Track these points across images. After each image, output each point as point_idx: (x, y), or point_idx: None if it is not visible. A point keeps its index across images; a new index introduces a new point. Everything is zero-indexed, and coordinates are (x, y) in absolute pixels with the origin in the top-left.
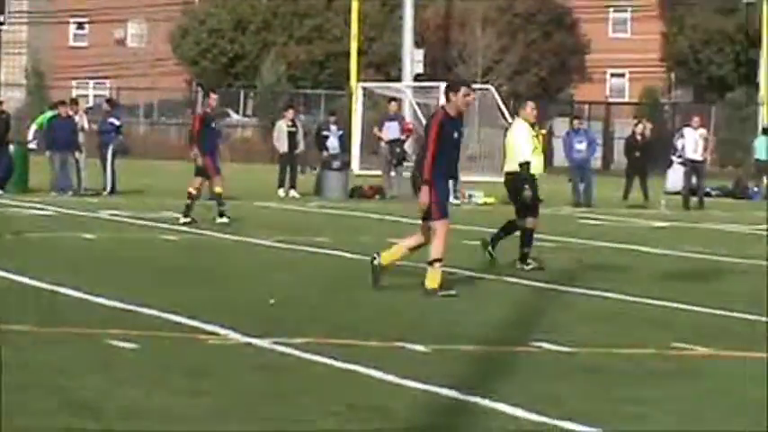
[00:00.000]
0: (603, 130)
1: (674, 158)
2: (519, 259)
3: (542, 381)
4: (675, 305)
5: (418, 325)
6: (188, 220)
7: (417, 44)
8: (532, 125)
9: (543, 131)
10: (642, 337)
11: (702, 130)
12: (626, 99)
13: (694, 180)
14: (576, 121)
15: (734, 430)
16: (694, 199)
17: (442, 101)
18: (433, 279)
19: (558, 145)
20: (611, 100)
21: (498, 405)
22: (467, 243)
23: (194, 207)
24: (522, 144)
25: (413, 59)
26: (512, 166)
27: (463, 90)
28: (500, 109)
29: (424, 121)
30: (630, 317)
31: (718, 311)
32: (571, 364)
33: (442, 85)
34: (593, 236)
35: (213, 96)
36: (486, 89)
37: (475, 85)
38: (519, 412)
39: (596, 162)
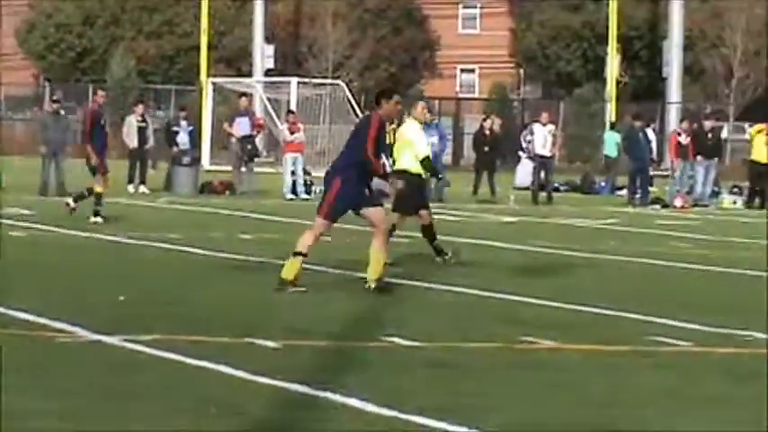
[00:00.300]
0: (453, 125)
1: (521, 154)
2: (437, 255)
3: (392, 375)
4: (524, 299)
5: (268, 320)
6: (99, 219)
7: (268, 39)
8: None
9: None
10: (491, 331)
11: (551, 126)
12: (476, 95)
13: (543, 175)
14: (428, 116)
15: (578, 422)
16: (543, 194)
17: (294, 95)
18: (290, 270)
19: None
20: (461, 95)
21: (349, 400)
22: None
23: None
24: (419, 142)
25: (263, 55)
26: (404, 164)
27: (395, 98)
28: (351, 104)
29: (275, 117)
30: (480, 311)
31: (565, 305)
32: (421, 359)
33: (294, 81)
34: (445, 231)
35: (101, 93)
36: (337, 84)
37: (325, 81)
38: (369, 407)
39: (446, 157)
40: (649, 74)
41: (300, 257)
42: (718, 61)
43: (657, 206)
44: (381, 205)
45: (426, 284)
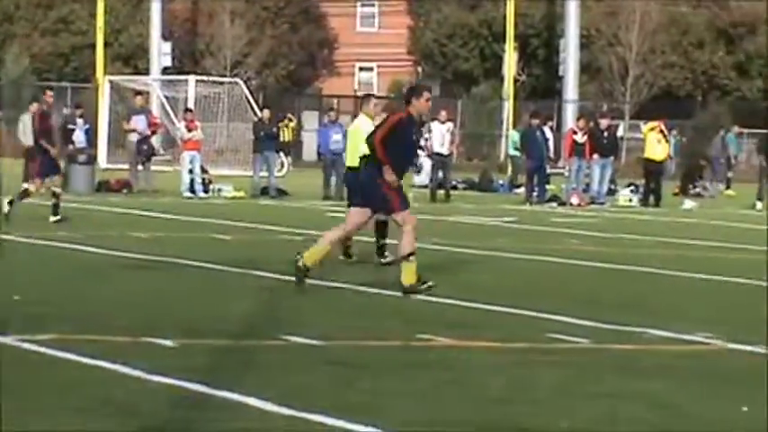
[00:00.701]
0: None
1: (419, 152)
2: (377, 252)
3: (291, 374)
4: (422, 297)
5: (166, 319)
6: (58, 218)
7: (165, 37)
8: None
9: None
10: (389, 329)
11: (449, 124)
12: (374, 92)
13: (441, 173)
14: (332, 113)
15: (472, 419)
16: (441, 192)
17: (191, 93)
18: (409, 275)
19: (308, 139)
20: (359, 93)
21: (247, 399)
22: (215, 237)
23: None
24: None
25: (160, 52)
26: (358, 161)
27: (425, 95)
28: (249, 102)
29: (172, 115)
30: (378, 309)
31: (462, 303)
32: (319, 357)
33: (191, 78)
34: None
35: (49, 93)
36: (235, 83)
37: (223, 79)
38: (268, 406)
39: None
40: (546, 72)
41: (411, 258)
42: (614, 60)
43: (554, 204)
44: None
45: (326, 283)
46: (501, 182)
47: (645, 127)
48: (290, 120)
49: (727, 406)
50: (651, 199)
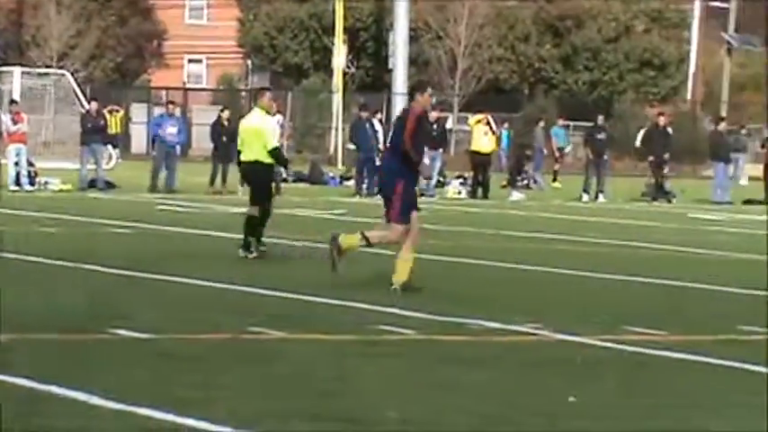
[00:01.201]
0: (182, 116)
1: None
2: (242, 246)
3: (119, 368)
4: (252, 290)
5: None
6: None
7: None
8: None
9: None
10: (219, 322)
11: (279, 117)
12: (204, 85)
13: None
14: (171, 106)
15: (301, 411)
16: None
17: (17, 85)
18: (402, 271)
19: (137, 131)
20: (188, 86)
21: (75, 393)
22: (41, 230)
23: None
24: (271, 132)
25: None
26: (255, 155)
27: (429, 90)
28: (76, 95)
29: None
30: (209, 302)
31: (292, 296)
32: (148, 351)
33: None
34: (173, 222)
35: None
36: (62, 74)
37: (50, 71)
38: (95, 400)
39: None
40: (376, 65)
41: (363, 244)
42: (443, 53)
43: None
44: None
45: (156, 276)
46: (331, 174)
47: (471, 119)
48: (117, 111)
49: (554, 396)
50: (479, 191)
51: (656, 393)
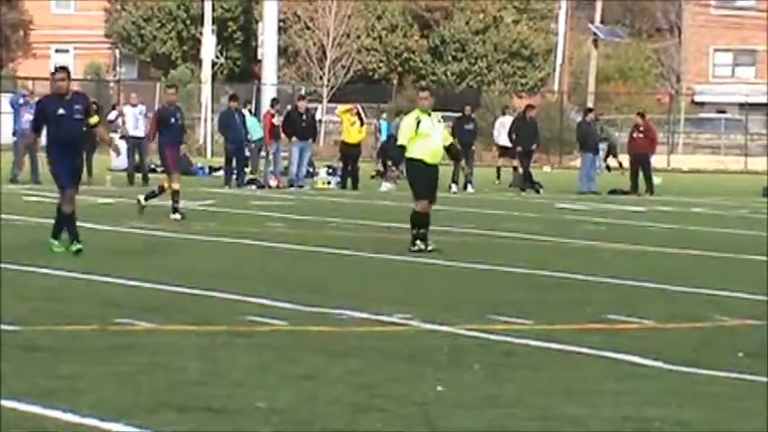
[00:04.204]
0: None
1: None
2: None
3: None
4: (120, 281)
5: None
6: None
7: None
8: None
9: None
10: (87, 313)
11: (142, 107)
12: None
13: (137, 156)
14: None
15: (169, 402)
16: (138, 175)
17: None
18: None
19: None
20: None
21: None
22: None
23: None
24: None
25: None
26: None
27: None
28: None
29: None
30: (76, 293)
31: (160, 286)
32: (16, 342)
33: None
34: (39, 213)
35: None
36: None
37: None
38: None
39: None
40: (245, 55)
41: None
42: (312, 44)
43: (253, 186)
44: None
45: (20, 267)
46: (200, 165)
47: (339, 109)
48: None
49: (422, 385)
50: (349, 182)
51: (523, 382)
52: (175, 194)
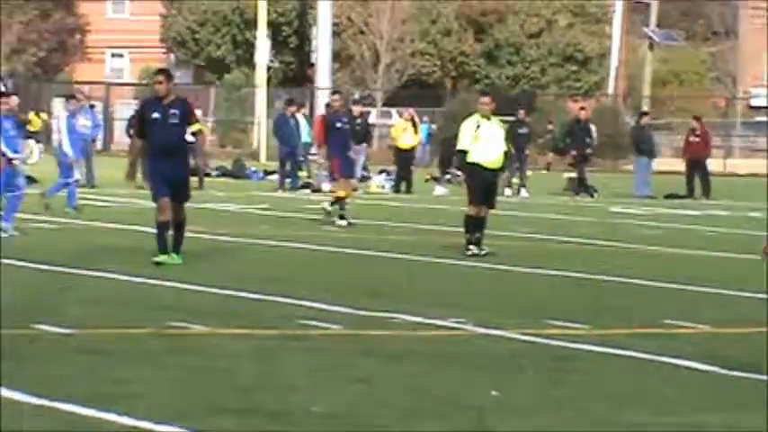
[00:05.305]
0: (104, 110)
1: None
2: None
3: (42, 363)
4: (175, 285)
5: None
6: None
7: None
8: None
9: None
10: (142, 316)
11: (198, 111)
12: (126, 80)
13: (193, 160)
14: (80, 99)
15: (225, 406)
16: (194, 179)
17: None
18: None
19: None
20: (110, 80)
21: None
22: None
23: None
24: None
25: None
26: None
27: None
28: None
29: None
30: (131, 297)
31: (216, 290)
32: (71, 346)
33: None
34: (95, 217)
35: None
36: None
37: None
38: (17, 396)
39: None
40: (298, 59)
41: None
42: (366, 48)
43: (307, 190)
44: None
45: (79, 271)
46: (254, 169)
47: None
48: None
49: (476, 389)
50: (403, 185)
51: (578, 387)
52: (342, 201)
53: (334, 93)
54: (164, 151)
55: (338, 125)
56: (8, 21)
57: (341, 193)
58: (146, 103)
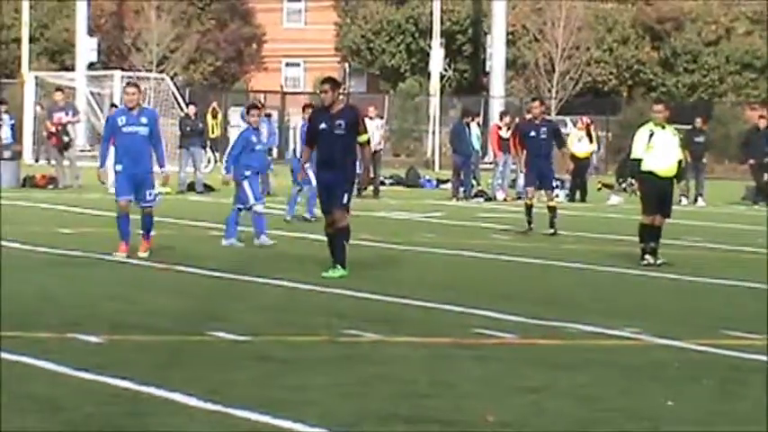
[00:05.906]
0: (279, 119)
1: None
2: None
3: (217, 370)
4: (348, 293)
5: (91, 315)
6: None
7: (91, 32)
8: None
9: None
10: (315, 324)
11: (379, 120)
12: (301, 89)
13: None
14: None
15: (398, 413)
16: (370, 188)
17: (117, 89)
18: None
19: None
20: (286, 90)
21: (172, 395)
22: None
23: None
24: None
25: (86, 48)
26: None
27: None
28: (175, 98)
29: (98, 111)
30: (304, 305)
31: (387, 298)
32: (245, 353)
33: (117, 74)
34: (268, 225)
35: None
36: (162, 78)
37: (150, 74)
38: (193, 401)
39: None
40: (472, 68)
41: None
42: (540, 56)
43: (480, 199)
44: None
45: (251, 278)
46: (427, 177)
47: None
48: (216, 111)
49: (652, 400)
50: (577, 194)
51: (755, 399)
52: (553, 210)
53: (533, 100)
54: (326, 163)
55: (532, 134)
56: (186, 31)
57: (552, 203)
58: (314, 114)
